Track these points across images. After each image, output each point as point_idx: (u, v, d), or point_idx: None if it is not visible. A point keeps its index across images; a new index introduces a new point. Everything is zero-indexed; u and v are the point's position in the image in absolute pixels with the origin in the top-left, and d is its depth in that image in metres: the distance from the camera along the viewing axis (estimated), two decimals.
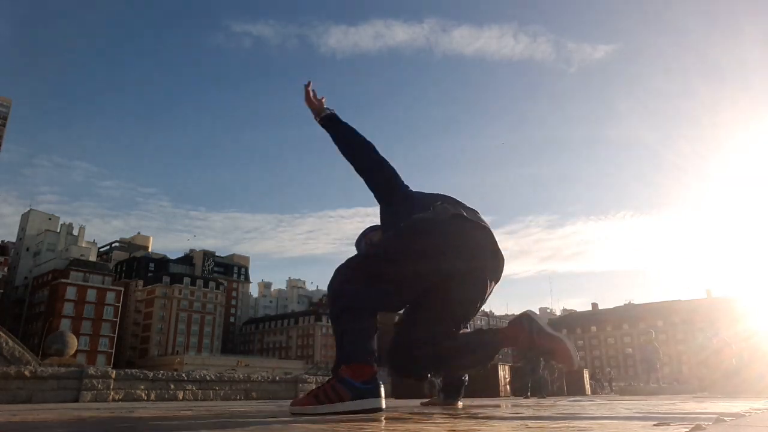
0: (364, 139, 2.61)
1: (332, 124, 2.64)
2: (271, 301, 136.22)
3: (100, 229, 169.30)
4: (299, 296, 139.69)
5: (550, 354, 2.15)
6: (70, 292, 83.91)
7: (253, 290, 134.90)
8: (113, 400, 6.53)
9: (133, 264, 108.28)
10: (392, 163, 2.59)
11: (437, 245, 2.19)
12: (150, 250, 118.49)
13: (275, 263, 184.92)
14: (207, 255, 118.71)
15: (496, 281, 2.34)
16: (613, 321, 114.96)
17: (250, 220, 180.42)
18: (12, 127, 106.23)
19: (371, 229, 2.93)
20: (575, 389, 14.39)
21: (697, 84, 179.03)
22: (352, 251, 2.79)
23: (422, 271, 2.17)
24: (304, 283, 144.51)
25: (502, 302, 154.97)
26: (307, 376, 10.64)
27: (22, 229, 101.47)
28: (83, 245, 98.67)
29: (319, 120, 2.68)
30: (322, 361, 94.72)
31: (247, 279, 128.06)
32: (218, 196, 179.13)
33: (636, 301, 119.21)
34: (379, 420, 1.80)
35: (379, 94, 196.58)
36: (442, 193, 2.52)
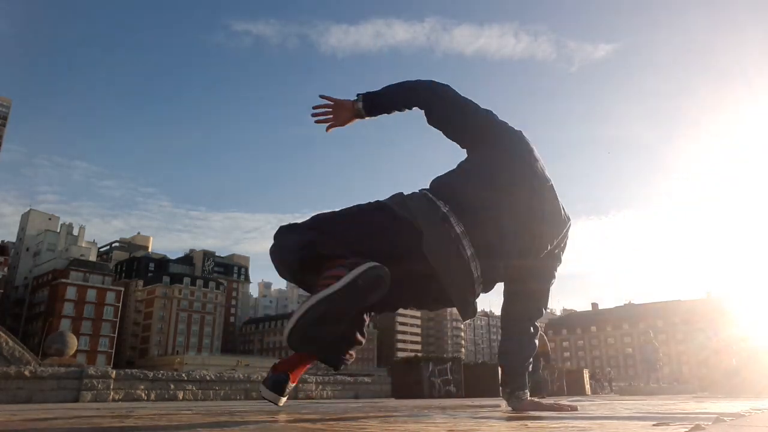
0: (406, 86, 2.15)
1: (375, 103, 2.13)
2: (271, 301, 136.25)
3: (100, 229, 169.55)
4: (299, 296, 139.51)
5: None
6: (70, 292, 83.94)
7: (253, 290, 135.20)
8: (113, 400, 6.53)
9: (133, 264, 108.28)
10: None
11: None
12: (150, 250, 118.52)
13: None
14: (207, 255, 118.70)
15: None
16: (613, 321, 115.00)
17: (250, 220, 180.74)
18: (12, 127, 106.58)
19: None
20: (575, 389, 14.37)
21: (697, 83, 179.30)
22: None
23: None
24: None
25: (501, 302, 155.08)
26: (307, 376, 10.58)
27: (22, 229, 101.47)
28: (83, 245, 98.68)
29: (365, 115, 2.14)
30: None
31: (247, 279, 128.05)
32: (218, 196, 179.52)
33: (636, 301, 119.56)
34: (378, 419, 1.80)
35: None
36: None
